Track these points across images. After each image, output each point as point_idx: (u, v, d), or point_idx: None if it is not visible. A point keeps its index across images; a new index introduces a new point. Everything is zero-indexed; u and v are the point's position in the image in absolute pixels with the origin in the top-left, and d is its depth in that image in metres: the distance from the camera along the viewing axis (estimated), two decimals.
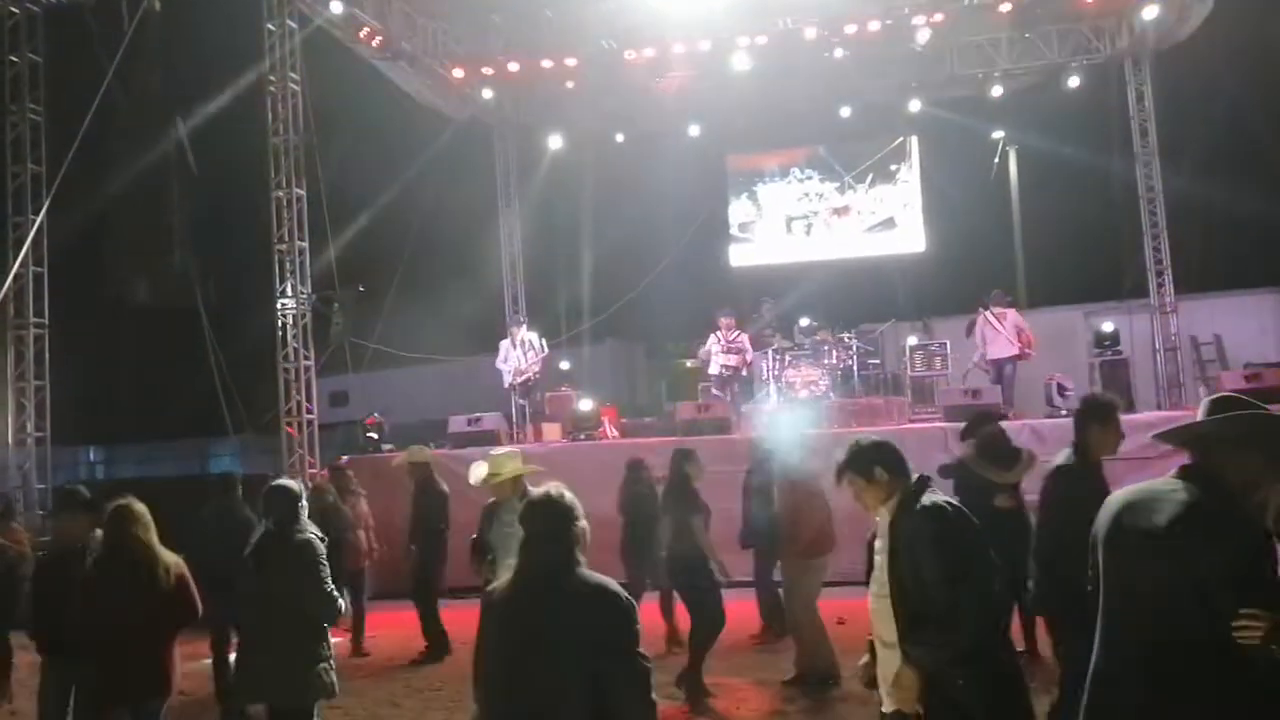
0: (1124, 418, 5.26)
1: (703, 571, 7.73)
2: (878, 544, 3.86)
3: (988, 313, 14.16)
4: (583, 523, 3.41)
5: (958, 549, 3.64)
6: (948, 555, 3.61)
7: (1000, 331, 14.02)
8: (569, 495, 3.45)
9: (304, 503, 5.51)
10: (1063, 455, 5.04)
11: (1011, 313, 14.27)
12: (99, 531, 5.68)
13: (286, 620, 5.21)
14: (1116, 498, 3.06)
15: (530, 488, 5.81)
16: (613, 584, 3.33)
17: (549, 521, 3.37)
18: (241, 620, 5.64)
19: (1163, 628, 2.78)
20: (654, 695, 3.27)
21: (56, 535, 5.98)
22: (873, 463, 3.86)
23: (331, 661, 5.40)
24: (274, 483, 5.60)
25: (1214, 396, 3.06)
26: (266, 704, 5.38)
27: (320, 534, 5.51)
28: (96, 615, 5.19)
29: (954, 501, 3.82)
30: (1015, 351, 13.92)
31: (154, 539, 5.30)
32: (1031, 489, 6.27)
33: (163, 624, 5.25)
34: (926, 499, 3.75)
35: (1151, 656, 2.80)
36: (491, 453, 6.73)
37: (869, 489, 3.87)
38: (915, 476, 3.86)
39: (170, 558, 5.34)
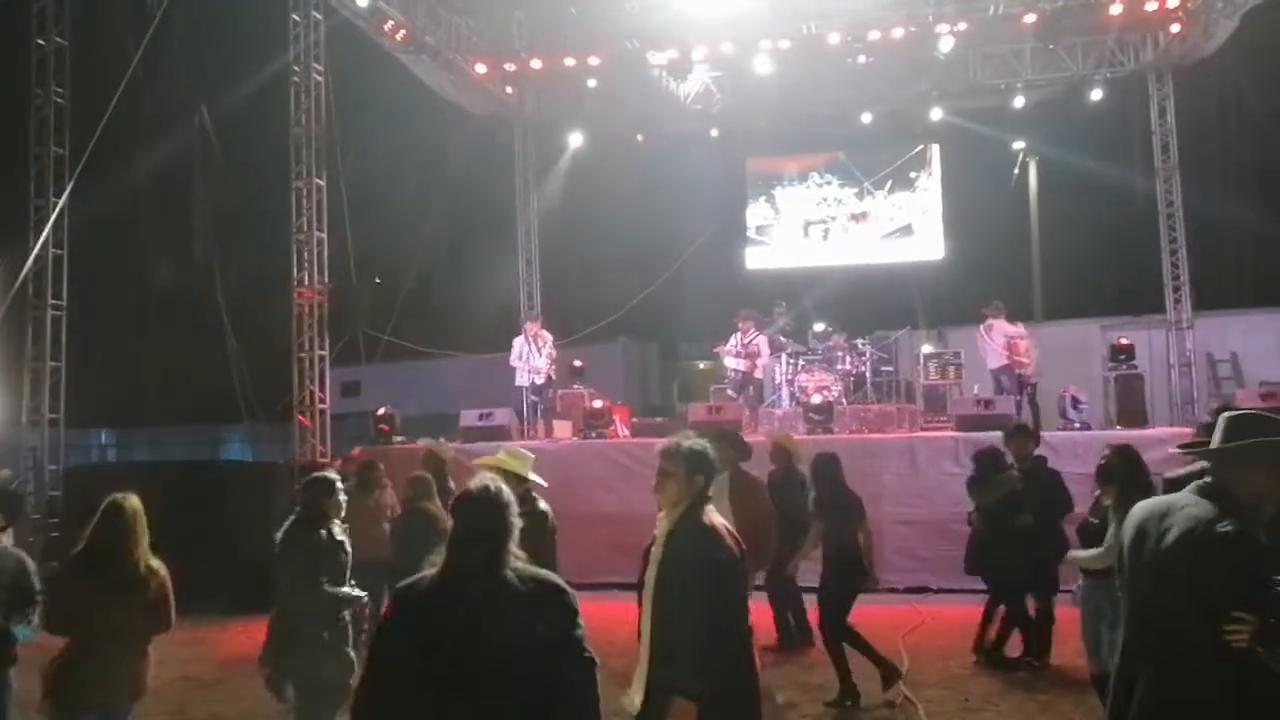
0: (1138, 433, 5.24)
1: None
2: (654, 551, 3.77)
3: (983, 325, 14.02)
4: (516, 519, 3.08)
5: (716, 572, 3.61)
6: (704, 575, 3.58)
7: (989, 343, 13.83)
8: (504, 490, 3.10)
9: (340, 496, 5.53)
10: None
11: (999, 323, 13.90)
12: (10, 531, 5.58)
13: (306, 605, 5.31)
14: (1141, 508, 3.23)
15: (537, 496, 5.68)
16: (553, 578, 3.06)
17: (482, 519, 3.02)
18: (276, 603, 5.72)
19: (1171, 631, 2.98)
20: (599, 693, 3.02)
21: None
22: (701, 469, 3.73)
23: (348, 646, 5.47)
24: (312, 474, 5.67)
25: (1231, 415, 3.20)
26: (293, 682, 5.43)
27: (344, 523, 5.57)
28: (72, 616, 4.88)
29: (729, 526, 3.75)
30: (1005, 363, 13.67)
31: (142, 541, 4.91)
32: None
33: (137, 631, 4.91)
34: (706, 519, 3.68)
35: (1162, 658, 3.00)
36: (503, 445, 6.65)
37: (681, 487, 3.72)
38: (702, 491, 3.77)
39: (155, 564, 4.95)
